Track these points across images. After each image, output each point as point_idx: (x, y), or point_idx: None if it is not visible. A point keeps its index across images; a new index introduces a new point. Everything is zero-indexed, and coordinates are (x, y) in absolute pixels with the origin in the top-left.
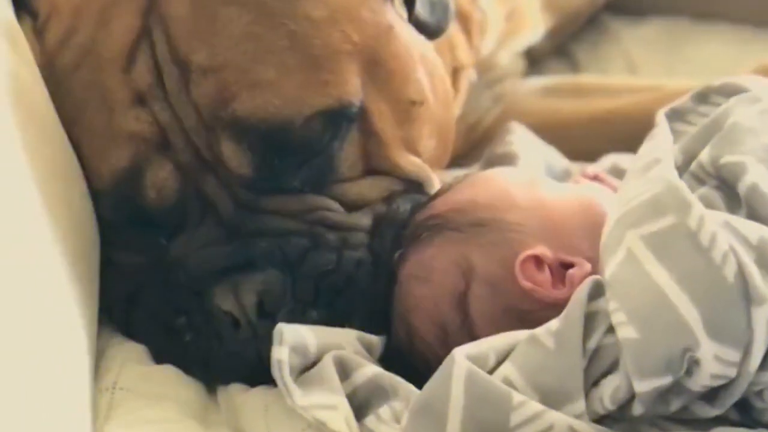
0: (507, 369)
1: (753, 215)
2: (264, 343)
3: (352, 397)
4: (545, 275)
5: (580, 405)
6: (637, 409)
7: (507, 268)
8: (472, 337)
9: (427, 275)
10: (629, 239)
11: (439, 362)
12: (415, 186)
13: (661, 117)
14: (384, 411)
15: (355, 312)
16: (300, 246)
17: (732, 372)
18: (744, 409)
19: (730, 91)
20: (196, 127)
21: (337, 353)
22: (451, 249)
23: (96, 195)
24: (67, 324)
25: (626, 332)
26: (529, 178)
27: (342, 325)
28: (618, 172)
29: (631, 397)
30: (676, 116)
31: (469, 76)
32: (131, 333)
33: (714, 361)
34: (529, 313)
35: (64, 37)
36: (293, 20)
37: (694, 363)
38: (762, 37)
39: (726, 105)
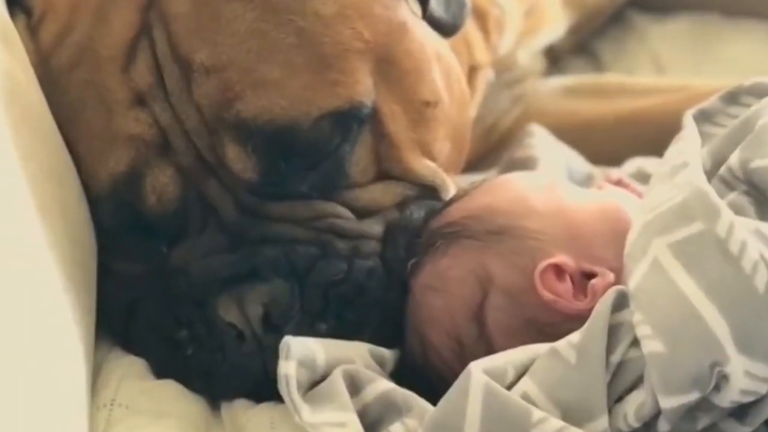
0: (526, 384)
1: None
2: (270, 357)
3: (362, 414)
4: (566, 285)
5: (603, 422)
6: (663, 427)
7: (526, 277)
8: (490, 350)
9: (443, 285)
10: (655, 247)
11: (455, 377)
12: (429, 191)
13: (688, 118)
14: (396, 428)
15: (367, 324)
16: (308, 255)
17: (763, 388)
18: None
19: (761, 92)
20: (198, 128)
21: (347, 367)
22: (468, 258)
23: (93, 200)
24: (63, 337)
25: (652, 346)
26: (550, 183)
27: (352, 338)
28: (643, 177)
29: (657, 413)
30: (704, 118)
31: (486, 75)
32: (130, 346)
33: (744, 377)
34: (550, 325)
35: (59, 35)
36: (301, 17)
37: (723, 378)
38: None
39: (757, 106)
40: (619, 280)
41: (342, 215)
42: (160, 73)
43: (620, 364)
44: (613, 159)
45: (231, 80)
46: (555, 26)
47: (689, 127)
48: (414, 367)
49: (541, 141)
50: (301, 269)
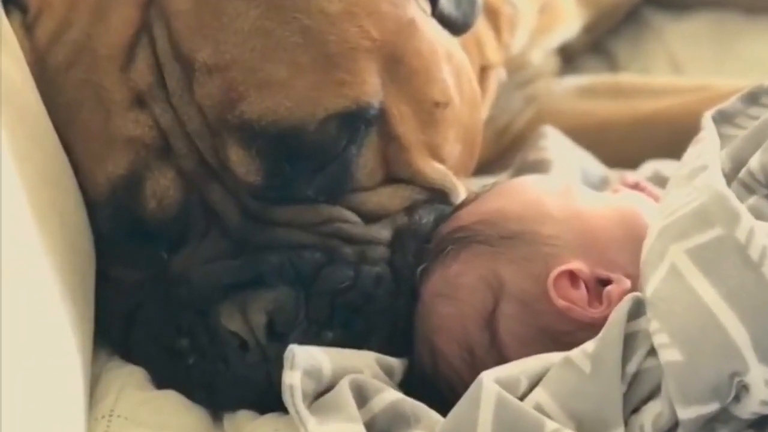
0: (539, 394)
1: None
2: (274, 366)
3: (370, 425)
4: (581, 292)
5: None
6: None
7: (539, 284)
8: (502, 359)
9: (453, 292)
10: (673, 253)
11: (466, 387)
12: (439, 195)
13: (707, 120)
14: None
15: (374, 332)
16: (314, 261)
17: None
18: None
19: None
20: (200, 130)
21: (354, 377)
22: (479, 264)
23: (91, 205)
24: (60, 346)
25: (669, 355)
26: (564, 187)
27: (359, 347)
28: (660, 180)
29: (675, 425)
30: (723, 119)
31: (498, 75)
32: (130, 355)
33: (765, 387)
34: (564, 333)
35: (56, 33)
36: (306, 14)
37: (743, 388)
38: None
39: None
40: (635, 287)
41: (349, 220)
42: (161, 72)
43: (636, 374)
44: (630, 161)
45: (234, 80)
46: (569, 24)
47: (708, 129)
48: (423, 377)
49: (554, 143)
50: (307, 276)
